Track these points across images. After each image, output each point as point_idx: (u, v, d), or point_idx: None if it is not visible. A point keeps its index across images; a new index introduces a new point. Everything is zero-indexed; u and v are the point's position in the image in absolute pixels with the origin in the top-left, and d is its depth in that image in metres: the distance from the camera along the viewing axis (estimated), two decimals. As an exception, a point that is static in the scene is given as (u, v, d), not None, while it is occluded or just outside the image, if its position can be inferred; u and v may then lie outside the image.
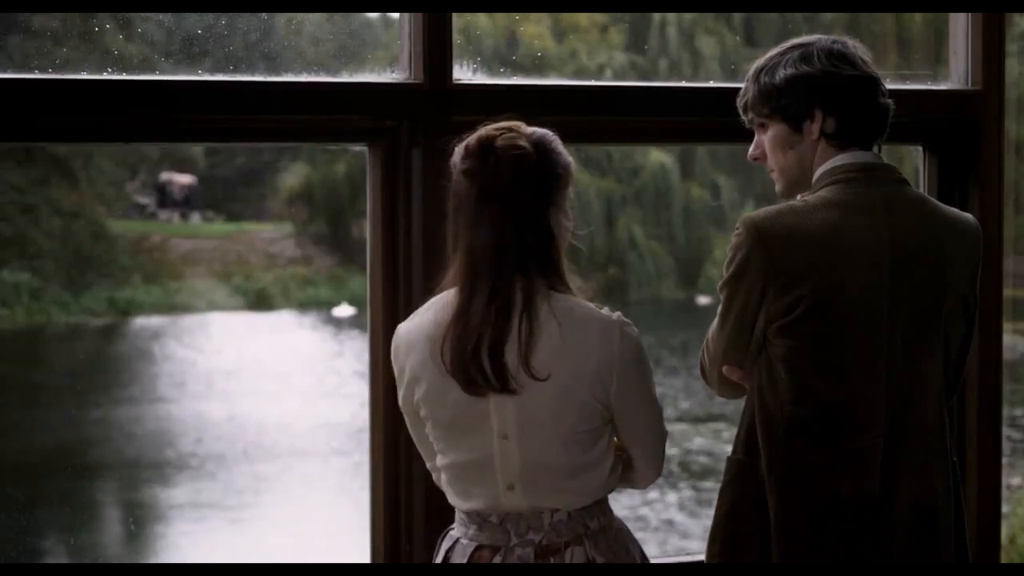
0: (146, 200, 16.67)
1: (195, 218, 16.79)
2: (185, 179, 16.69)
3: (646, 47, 14.50)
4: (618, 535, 2.41)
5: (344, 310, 15.66)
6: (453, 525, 2.44)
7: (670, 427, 2.78)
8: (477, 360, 2.25)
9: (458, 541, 2.38)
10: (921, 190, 3.28)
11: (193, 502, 9.98)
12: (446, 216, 2.58)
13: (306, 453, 11.27)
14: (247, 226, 16.87)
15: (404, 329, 2.39)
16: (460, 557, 2.36)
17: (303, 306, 16.01)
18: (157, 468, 10.57)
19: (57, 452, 10.50)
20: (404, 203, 2.92)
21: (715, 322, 2.44)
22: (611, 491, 2.40)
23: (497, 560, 2.32)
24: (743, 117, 2.55)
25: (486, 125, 2.35)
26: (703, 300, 15.87)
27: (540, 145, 2.32)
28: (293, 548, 8.64)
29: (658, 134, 3.28)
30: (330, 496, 10.57)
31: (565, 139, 2.39)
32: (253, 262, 16.37)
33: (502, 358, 2.25)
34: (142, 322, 14.96)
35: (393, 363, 2.40)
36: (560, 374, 2.27)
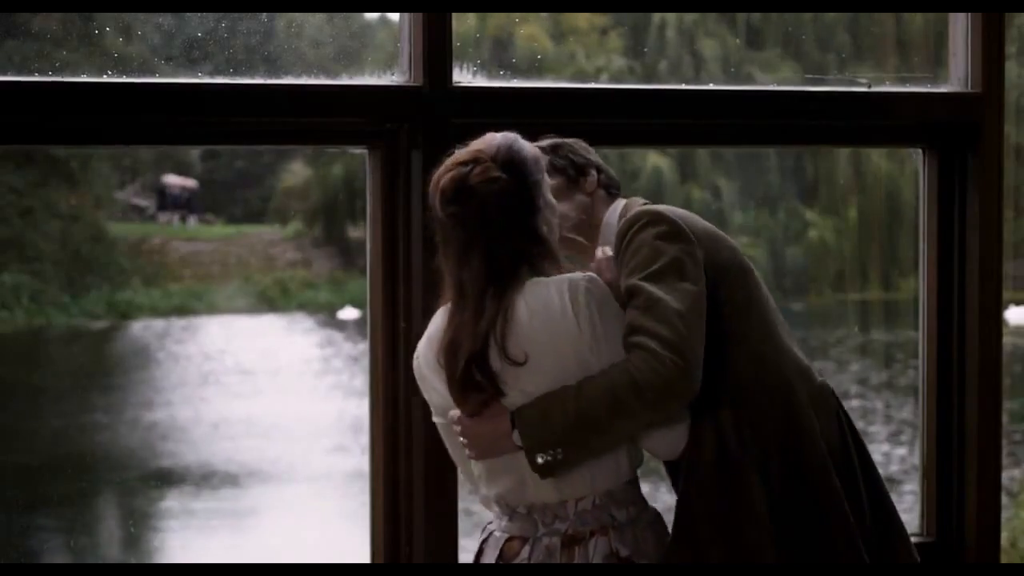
0: (145, 203, 16.66)
1: (194, 221, 16.78)
2: (184, 182, 16.68)
3: (645, 50, 14.49)
4: (650, 528, 2.41)
5: (348, 312, 15.64)
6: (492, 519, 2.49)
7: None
8: (468, 374, 2.31)
9: (492, 533, 2.44)
10: (921, 192, 3.32)
11: (193, 504, 9.98)
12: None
13: (308, 455, 11.26)
14: (246, 229, 16.85)
15: (421, 340, 2.46)
16: (493, 548, 2.41)
17: (303, 308, 16.00)
18: (157, 470, 10.57)
19: (57, 454, 10.49)
20: (404, 205, 2.92)
21: (679, 308, 2.31)
22: (639, 466, 2.41)
23: (526, 550, 2.35)
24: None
25: (451, 155, 2.36)
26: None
27: (510, 165, 2.32)
28: (294, 549, 8.64)
29: (657, 137, 3.28)
30: (331, 497, 10.57)
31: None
32: (253, 264, 16.37)
33: (488, 364, 2.29)
34: (142, 324, 14.95)
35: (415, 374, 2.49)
36: (539, 347, 2.28)
